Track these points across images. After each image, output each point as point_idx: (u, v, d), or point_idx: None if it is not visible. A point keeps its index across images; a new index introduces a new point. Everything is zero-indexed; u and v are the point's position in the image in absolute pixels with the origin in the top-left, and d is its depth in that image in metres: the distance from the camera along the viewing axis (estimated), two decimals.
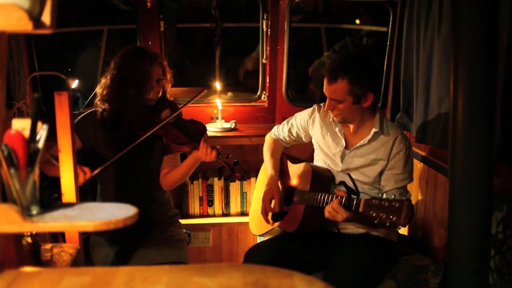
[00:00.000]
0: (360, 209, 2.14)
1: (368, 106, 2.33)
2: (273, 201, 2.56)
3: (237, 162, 2.48)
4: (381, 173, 2.41)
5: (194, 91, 4.09)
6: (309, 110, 2.63)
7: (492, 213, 2.04)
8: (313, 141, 2.63)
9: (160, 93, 2.47)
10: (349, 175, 2.32)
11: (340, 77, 2.25)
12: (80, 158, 2.45)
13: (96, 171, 2.29)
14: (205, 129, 2.49)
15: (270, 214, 2.58)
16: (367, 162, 2.40)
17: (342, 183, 2.26)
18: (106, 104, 2.41)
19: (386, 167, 2.39)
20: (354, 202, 2.17)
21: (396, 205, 2.04)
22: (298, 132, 2.67)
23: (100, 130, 2.43)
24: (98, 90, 2.46)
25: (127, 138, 2.38)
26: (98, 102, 2.44)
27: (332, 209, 2.21)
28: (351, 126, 2.44)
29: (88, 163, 2.40)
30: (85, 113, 2.49)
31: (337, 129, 2.48)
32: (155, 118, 2.41)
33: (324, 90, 2.36)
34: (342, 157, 2.47)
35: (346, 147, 2.47)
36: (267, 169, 2.69)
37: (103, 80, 2.45)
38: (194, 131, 2.43)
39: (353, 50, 2.42)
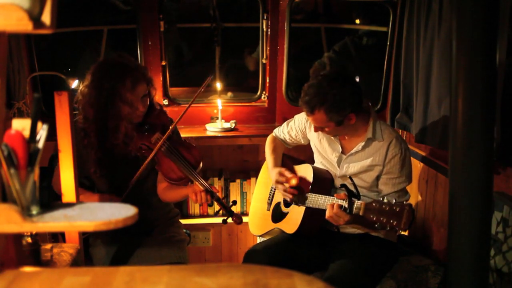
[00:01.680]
0: (361, 213, 2.14)
1: (355, 121, 2.31)
2: (286, 176, 2.46)
3: (235, 202, 2.37)
4: (378, 178, 2.40)
5: (194, 91, 4.09)
6: None
7: (492, 213, 2.04)
8: (311, 144, 2.63)
9: (147, 106, 2.31)
10: (350, 178, 2.32)
11: (316, 109, 2.22)
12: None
13: (122, 198, 2.29)
14: (200, 157, 2.32)
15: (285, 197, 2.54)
16: (363, 168, 2.40)
17: (344, 186, 2.26)
18: (87, 123, 2.26)
19: (383, 172, 2.38)
20: (355, 205, 2.17)
21: (397, 210, 2.03)
22: (297, 135, 2.67)
23: (86, 148, 2.29)
24: (78, 104, 2.27)
25: (120, 159, 2.33)
26: (80, 118, 2.28)
27: (334, 214, 2.21)
28: (345, 135, 2.44)
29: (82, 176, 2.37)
30: None
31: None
32: (144, 141, 2.28)
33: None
34: (339, 163, 2.46)
35: (343, 152, 2.46)
36: (268, 165, 2.67)
37: (81, 95, 2.25)
38: (188, 161, 2.27)
39: (324, 74, 2.30)
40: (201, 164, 2.33)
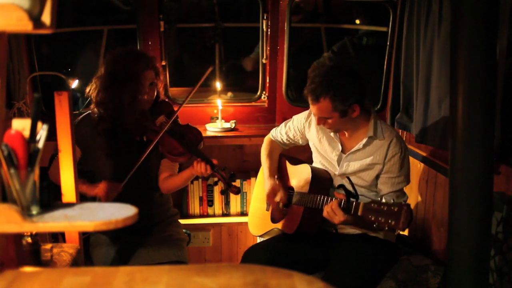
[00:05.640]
0: (359, 213, 2.14)
1: (359, 114, 2.32)
2: (278, 195, 2.53)
3: (234, 175, 2.40)
4: (377, 177, 2.40)
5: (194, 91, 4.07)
6: (306, 113, 2.62)
7: (492, 213, 2.04)
8: (310, 144, 2.63)
9: (155, 95, 2.43)
10: (348, 178, 2.32)
11: (322, 96, 2.23)
12: (80, 169, 2.39)
13: (124, 183, 2.34)
14: (201, 137, 2.44)
15: (270, 211, 2.59)
16: (363, 166, 2.40)
17: (342, 186, 2.26)
18: (101, 111, 2.38)
19: (382, 171, 2.38)
20: (353, 205, 2.17)
21: (395, 210, 2.04)
22: (295, 135, 2.67)
23: (99, 136, 2.40)
24: (91, 93, 2.40)
25: (126, 145, 2.39)
26: (93, 107, 2.41)
27: (331, 210, 2.21)
28: (346, 132, 2.44)
29: (86, 169, 2.40)
30: (81, 117, 2.44)
31: (332, 134, 2.47)
32: (151, 125, 2.38)
33: (310, 108, 2.36)
34: (339, 161, 2.46)
35: (343, 151, 2.47)
36: (263, 171, 2.68)
37: (95, 83, 2.39)
38: (190, 139, 2.39)
39: (330, 65, 2.40)
40: (202, 143, 2.42)
